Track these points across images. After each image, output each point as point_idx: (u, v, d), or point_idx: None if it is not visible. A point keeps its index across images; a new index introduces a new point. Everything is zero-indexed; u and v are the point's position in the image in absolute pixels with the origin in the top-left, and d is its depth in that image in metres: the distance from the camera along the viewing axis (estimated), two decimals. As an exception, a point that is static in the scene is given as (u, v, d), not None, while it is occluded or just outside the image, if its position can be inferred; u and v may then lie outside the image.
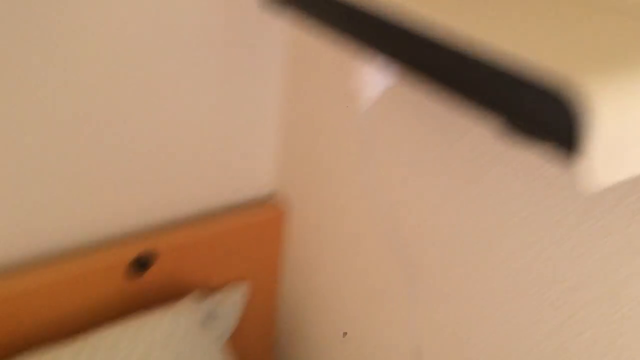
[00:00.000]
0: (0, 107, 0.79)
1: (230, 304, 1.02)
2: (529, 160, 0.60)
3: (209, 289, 1.06)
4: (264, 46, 0.98)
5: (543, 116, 0.36)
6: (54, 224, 0.90)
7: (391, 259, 0.84)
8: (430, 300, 0.78)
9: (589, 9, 0.49)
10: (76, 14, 0.79)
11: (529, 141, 0.37)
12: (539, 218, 0.60)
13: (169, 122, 0.94)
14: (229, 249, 1.04)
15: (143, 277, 0.96)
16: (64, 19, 0.78)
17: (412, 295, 0.81)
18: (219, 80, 0.96)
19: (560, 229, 0.58)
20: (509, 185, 0.63)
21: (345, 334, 0.76)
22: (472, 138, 0.67)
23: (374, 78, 0.61)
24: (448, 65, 0.41)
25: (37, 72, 0.79)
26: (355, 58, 0.81)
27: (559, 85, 0.33)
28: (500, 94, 0.38)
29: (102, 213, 0.94)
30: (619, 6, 0.50)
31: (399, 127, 0.77)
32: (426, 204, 0.75)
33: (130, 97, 0.89)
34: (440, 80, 0.42)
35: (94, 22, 0.80)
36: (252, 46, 0.96)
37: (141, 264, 0.94)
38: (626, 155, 0.35)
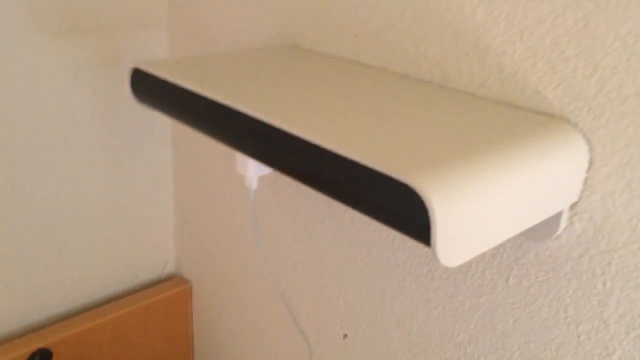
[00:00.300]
0: None
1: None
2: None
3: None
4: (154, 133, 0.98)
5: (391, 209, 0.38)
6: None
7: (292, 331, 0.85)
8: (336, 366, 0.79)
9: (418, 105, 0.54)
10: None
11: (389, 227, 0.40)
12: (424, 280, 0.63)
13: (61, 210, 0.91)
14: (134, 333, 1.01)
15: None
16: None
17: (319, 363, 0.82)
18: (112, 169, 0.95)
19: (447, 288, 0.61)
20: (393, 255, 0.66)
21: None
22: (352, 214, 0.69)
23: (254, 163, 0.63)
24: (303, 163, 0.43)
25: None
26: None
27: (403, 184, 0.36)
28: (355, 191, 0.41)
29: (-11, 314, 0.89)
30: (449, 100, 0.55)
31: (285, 205, 0.79)
32: (315, 277, 0.77)
33: (18, 188, 0.86)
34: (303, 177, 0.44)
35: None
36: (142, 133, 0.97)
37: (36, 363, 0.89)
38: (472, 236, 0.38)
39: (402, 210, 0.38)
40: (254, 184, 0.64)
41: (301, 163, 0.45)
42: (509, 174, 0.41)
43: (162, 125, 1.00)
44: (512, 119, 0.48)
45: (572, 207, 0.49)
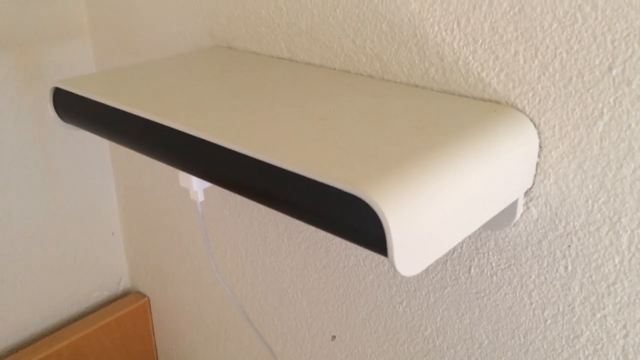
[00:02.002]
0: None
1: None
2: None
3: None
4: (91, 147, 0.93)
5: (342, 222, 0.36)
6: None
7: (255, 340, 0.83)
8: (307, 369, 0.77)
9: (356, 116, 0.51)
10: None
11: (344, 239, 0.38)
12: (386, 276, 0.62)
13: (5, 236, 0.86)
14: (94, 356, 0.97)
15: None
16: None
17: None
18: (48, 190, 0.89)
19: (410, 282, 0.60)
20: (353, 253, 0.65)
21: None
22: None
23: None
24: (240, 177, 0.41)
25: None
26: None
27: (352, 196, 0.34)
28: (301, 205, 0.38)
29: None
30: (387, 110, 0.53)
31: (237, 212, 0.76)
32: (274, 282, 0.75)
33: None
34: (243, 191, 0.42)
35: None
36: (77, 149, 0.91)
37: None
38: (431, 242, 0.37)
39: (353, 223, 0.36)
40: (200, 197, 0.61)
41: (241, 178, 0.42)
42: (461, 171, 0.39)
43: (98, 138, 0.95)
44: (458, 109, 0.47)
45: (527, 193, 0.48)
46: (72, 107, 0.58)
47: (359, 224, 0.36)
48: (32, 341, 0.94)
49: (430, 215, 0.36)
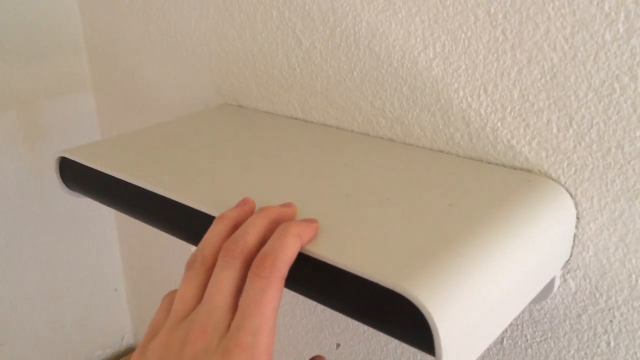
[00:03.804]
0: None
1: None
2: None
3: None
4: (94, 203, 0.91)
5: (382, 318, 0.34)
6: None
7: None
8: None
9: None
10: None
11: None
12: (410, 344, 0.59)
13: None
14: None
15: None
16: None
17: None
18: (49, 250, 0.86)
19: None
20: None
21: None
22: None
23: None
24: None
25: None
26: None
27: (393, 292, 0.32)
28: (334, 295, 0.36)
29: None
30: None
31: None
32: (290, 344, 0.72)
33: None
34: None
35: None
36: (80, 207, 0.89)
37: None
38: (477, 333, 0.34)
39: (395, 320, 0.34)
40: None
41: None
42: (503, 255, 0.37)
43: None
44: (488, 178, 0.45)
45: (565, 265, 0.46)
46: (79, 176, 0.56)
47: (401, 322, 0.33)
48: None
49: (475, 307, 0.34)
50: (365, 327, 0.63)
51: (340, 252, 0.35)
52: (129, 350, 1.03)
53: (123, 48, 0.78)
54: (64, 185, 0.57)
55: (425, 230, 0.37)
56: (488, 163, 0.48)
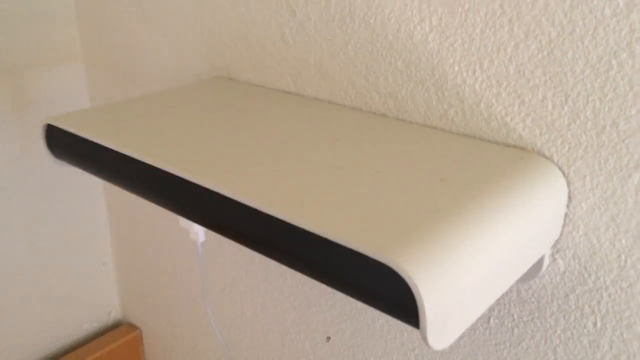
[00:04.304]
0: None
1: None
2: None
3: None
4: (84, 175, 0.89)
5: (367, 289, 0.33)
6: None
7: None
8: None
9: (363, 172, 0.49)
10: None
11: (373, 307, 0.35)
12: (398, 322, 0.59)
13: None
14: (82, 397, 0.92)
15: None
16: None
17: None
18: (38, 219, 0.85)
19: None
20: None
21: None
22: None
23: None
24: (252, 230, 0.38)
25: None
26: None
27: (380, 264, 0.31)
28: (319, 267, 0.35)
29: None
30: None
31: (239, 250, 0.73)
32: (276, 322, 0.71)
33: None
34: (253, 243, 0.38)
35: None
36: (69, 178, 0.87)
37: None
38: (463, 309, 0.34)
39: (380, 292, 0.33)
40: (200, 237, 0.58)
41: (249, 232, 0.39)
42: (492, 231, 0.37)
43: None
44: (481, 155, 0.44)
45: (554, 244, 0.45)
46: (65, 145, 0.55)
47: (387, 294, 0.33)
48: (18, 379, 0.89)
49: (462, 281, 0.34)
50: (353, 304, 0.63)
51: (327, 223, 0.34)
52: (116, 325, 1.02)
53: (114, 17, 0.76)
54: (50, 153, 0.56)
55: (415, 204, 0.37)
56: (481, 140, 0.47)
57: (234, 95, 0.59)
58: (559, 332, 0.47)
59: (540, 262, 0.45)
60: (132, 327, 1.00)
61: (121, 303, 1.02)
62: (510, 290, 0.49)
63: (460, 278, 0.33)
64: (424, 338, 0.31)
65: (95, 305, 0.99)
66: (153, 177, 0.45)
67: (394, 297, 0.32)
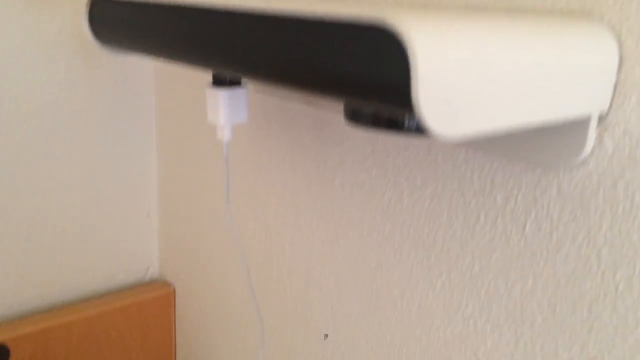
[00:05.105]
0: None
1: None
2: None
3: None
4: (137, 121, 0.91)
5: (357, 63, 0.29)
6: None
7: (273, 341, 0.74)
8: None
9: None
10: None
11: (366, 100, 0.31)
12: (425, 244, 0.54)
13: (31, 198, 0.83)
14: (107, 336, 0.90)
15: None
16: None
17: (310, 362, 0.71)
18: (89, 159, 0.87)
19: (451, 249, 0.52)
20: (389, 219, 0.57)
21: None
22: (342, 179, 0.60)
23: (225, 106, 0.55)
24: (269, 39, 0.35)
25: None
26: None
27: (375, 27, 0.27)
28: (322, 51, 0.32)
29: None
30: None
31: (269, 171, 0.70)
32: (303, 256, 0.67)
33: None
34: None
35: None
36: (123, 122, 0.89)
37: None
38: (468, 98, 0.29)
39: (373, 60, 0.29)
40: (226, 135, 0.56)
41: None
42: (516, 36, 0.32)
43: (146, 111, 0.92)
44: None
45: (601, 120, 0.39)
46: (111, 19, 0.53)
47: (378, 61, 0.28)
48: (48, 309, 0.89)
49: (469, 64, 0.28)
50: (381, 229, 0.58)
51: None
52: (152, 280, 1.01)
53: None
54: (94, 34, 0.56)
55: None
56: None
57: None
58: (604, 229, 0.41)
59: (583, 136, 0.39)
60: (166, 283, 0.98)
61: (159, 261, 1.01)
62: (550, 185, 0.43)
63: (467, 56, 0.28)
64: (417, 109, 0.27)
65: (134, 257, 0.98)
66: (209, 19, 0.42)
67: (384, 63, 0.28)
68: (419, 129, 0.37)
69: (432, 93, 0.27)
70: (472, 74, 0.28)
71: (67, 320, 0.84)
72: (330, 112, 0.61)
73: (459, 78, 0.28)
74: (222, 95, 0.53)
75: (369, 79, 0.29)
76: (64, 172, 0.86)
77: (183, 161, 0.88)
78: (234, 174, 0.77)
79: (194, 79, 0.82)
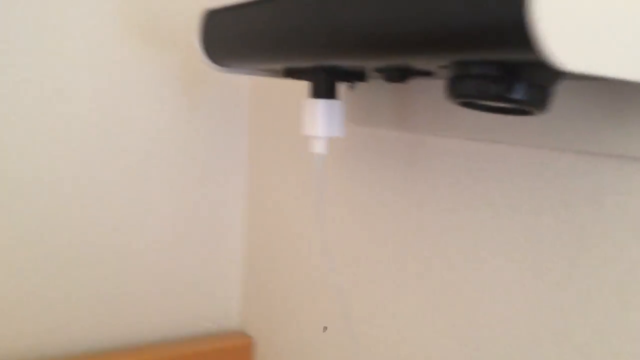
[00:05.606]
0: None
1: None
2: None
3: None
4: (228, 164, 0.93)
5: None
6: None
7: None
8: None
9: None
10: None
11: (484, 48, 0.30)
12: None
13: (116, 233, 0.86)
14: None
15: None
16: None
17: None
18: (181, 196, 0.90)
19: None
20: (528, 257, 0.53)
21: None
22: (454, 201, 0.58)
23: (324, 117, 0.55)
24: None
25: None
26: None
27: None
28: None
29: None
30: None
31: (368, 187, 0.69)
32: (411, 293, 0.64)
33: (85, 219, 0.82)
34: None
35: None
36: (215, 166, 0.92)
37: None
38: (588, 30, 0.27)
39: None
40: (321, 148, 0.56)
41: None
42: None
43: (238, 156, 0.95)
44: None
45: None
46: (224, 29, 0.54)
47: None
48: (127, 348, 0.89)
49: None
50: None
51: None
52: (230, 331, 0.99)
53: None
54: (205, 50, 0.58)
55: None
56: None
57: None
58: None
59: None
60: (245, 335, 0.96)
61: (241, 309, 0.99)
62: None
63: None
64: (536, 40, 0.25)
65: (215, 303, 0.97)
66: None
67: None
68: (526, 99, 0.35)
69: (550, 17, 0.25)
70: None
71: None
72: (422, 135, 0.60)
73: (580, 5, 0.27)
74: (320, 105, 0.54)
75: (485, 20, 0.28)
76: (156, 211, 0.89)
77: (273, 208, 0.89)
78: (328, 214, 0.76)
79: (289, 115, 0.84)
